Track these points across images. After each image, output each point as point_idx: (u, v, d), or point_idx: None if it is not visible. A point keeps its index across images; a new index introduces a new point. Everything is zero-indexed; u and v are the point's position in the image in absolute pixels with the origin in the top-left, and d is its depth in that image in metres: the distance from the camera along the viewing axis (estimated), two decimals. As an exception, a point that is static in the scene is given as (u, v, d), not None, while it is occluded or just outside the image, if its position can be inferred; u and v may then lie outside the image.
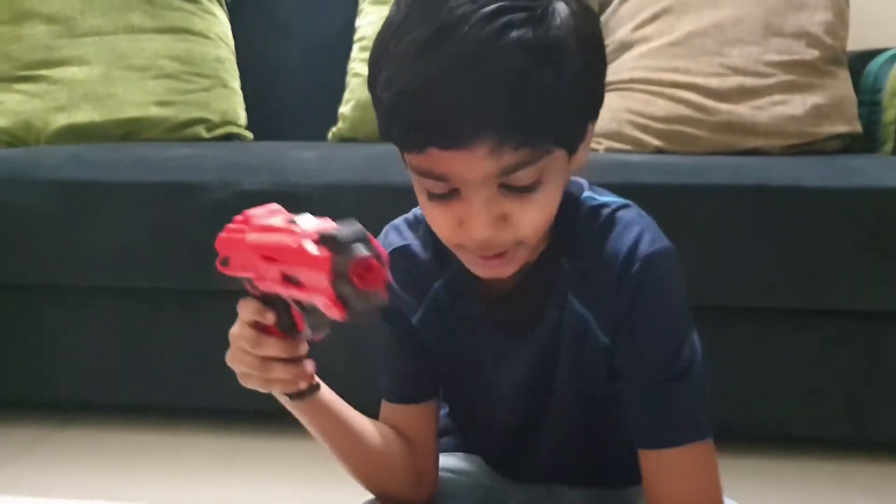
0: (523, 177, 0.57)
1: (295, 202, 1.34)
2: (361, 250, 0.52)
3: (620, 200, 0.69)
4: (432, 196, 0.60)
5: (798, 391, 1.23)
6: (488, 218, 0.58)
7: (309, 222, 0.56)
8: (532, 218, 0.60)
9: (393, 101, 0.56)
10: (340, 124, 1.71)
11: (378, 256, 0.53)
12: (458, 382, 0.79)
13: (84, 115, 1.65)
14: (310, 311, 0.60)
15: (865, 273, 1.17)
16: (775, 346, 1.23)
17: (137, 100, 1.67)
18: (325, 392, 0.71)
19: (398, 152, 0.62)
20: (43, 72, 1.68)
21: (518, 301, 0.69)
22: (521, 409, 0.77)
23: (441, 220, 0.61)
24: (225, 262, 0.64)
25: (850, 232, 1.16)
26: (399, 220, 0.78)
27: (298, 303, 0.60)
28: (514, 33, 0.53)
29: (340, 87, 1.73)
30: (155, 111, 1.67)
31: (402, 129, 0.57)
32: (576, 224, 0.67)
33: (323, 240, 0.53)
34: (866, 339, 1.21)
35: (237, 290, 0.63)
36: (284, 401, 0.69)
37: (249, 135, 1.79)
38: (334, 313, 0.53)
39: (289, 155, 1.37)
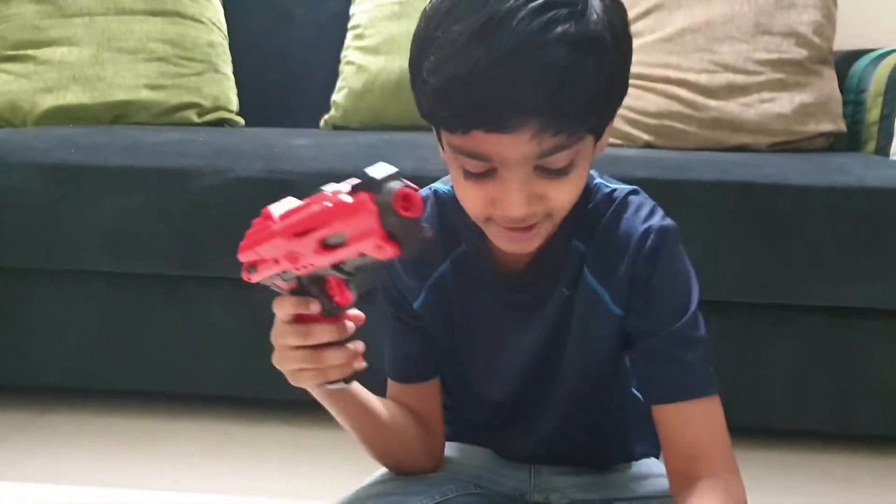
0: (558, 160, 0.61)
1: (287, 190, 1.34)
2: (397, 183, 0.52)
3: (629, 186, 0.75)
4: (468, 175, 0.63)
5: (781, 385, 1.26)
6: (524, 196, 0.62)
7: (332, 186, 0.56)
8: (564, 195, 0.64)
9: (442, 86, 0.59)
10: (333, 112, 1.70)
11: (413, 186, 0.53)
12: (457, 362, 0.81)
13: (73, 96, 1.64)
14: (353, 272, 0.59)
15: (848, 269, 1.19)
16: (759, 341, 1.26)
17: (128, 82, 1.66)
18: (357, 390, 0.73)
19: (434, 133, 0.66)
20: (31, 52, 1.66)
21: (528, 280, 0.73)
22: (526, 386, 0.80)
23: (475, 197, 0.65)
24: (251, 270, 0.63)
25: (834, 229, 1.19)
26: None
27: (339, 269, 0.59)
28: (559, 28, 0.57)
29: (334, 75, 1.72)
30: (145, 94, 1.66)
31: (450, 112, 0.60)
32: (591, 207, 0.72)
33: (357, 187, 0.53)
34: (849, 334, 1.24)
35: (268, 299, 0.63)
36: (321, 392, 0.70)
37: (241, 120, 1.78)
38: (387, 252, 0.53)
39: (281, 142, 1.37)
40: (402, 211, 0.52)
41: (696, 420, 0.72)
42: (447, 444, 0.86)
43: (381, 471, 0.84)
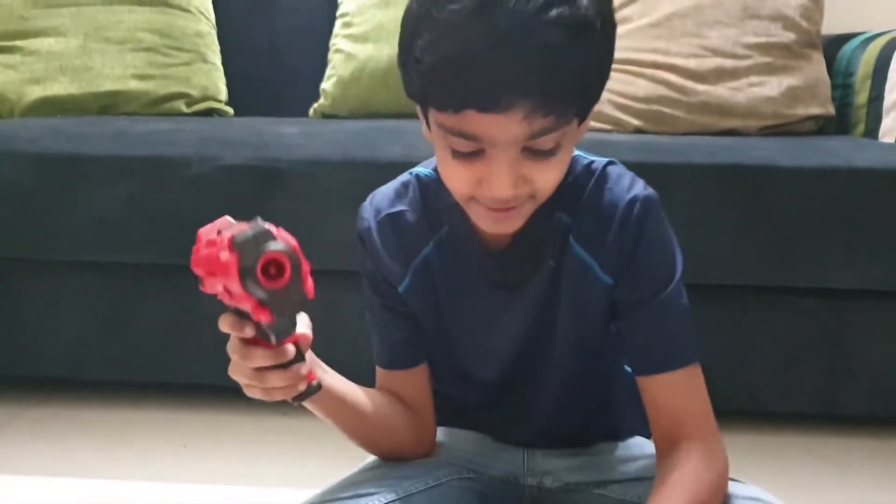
0: (546, 142, 0.62)
1: (276, 177, 1.34)
2: (265, 247, 0.51)
3: (605, 158, 0.76)
4: (456, 154, 0.64)
5: (770, 367, 1.26)
6: (511, 178, 0.63)
7: (231, 229, 0.55)
8: (549, 177, 0.65)
9: (435, 65, 0.60)
10: (322, 100, 1.70)
11: (286, 250, 0.52)
12: (447, 345, 0.81)
13: (60, 87, 1.63)
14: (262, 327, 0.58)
15: (838, 251, 1.20)
16: (749, 323, 1.26)
17: (116, 73, 1.65)
18: (327, 381, 0.72)
19: (420, 112, 0.67)
20: (17, 42, 1.65)
21: (513, 257, 0.73)
22: (518, 365, 0.80)
23: (461, 177, 0.65)
24: (201, 282, 0.62)
25: (823, 211, 1.19)
26: (386, 189, 0.79)
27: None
28: (554, 11, 0.58)
29: (322, 64, 1.72)
30: (134, 85, 1.65)
31: (443, 91, 0.61)
32: (571, 180, 0.72)
33: (231, 244, 0.52)
34: (837, 316, 1.24)
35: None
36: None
37: (230, 110, 1.78)
38: (260, 317, 0.53)
39: (270, 130, 1.36)
40: (265, 281, 0.51)
41: (680, 388, 0.74)
42: (438, 429, 0.86)
43: (372, 457, 0.84)
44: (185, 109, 1.69)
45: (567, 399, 0.83)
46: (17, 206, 1.28)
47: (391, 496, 0.76)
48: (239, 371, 0.64)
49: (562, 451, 0.88)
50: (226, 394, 1.36)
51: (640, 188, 0.73)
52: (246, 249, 0.52)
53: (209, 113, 1.73)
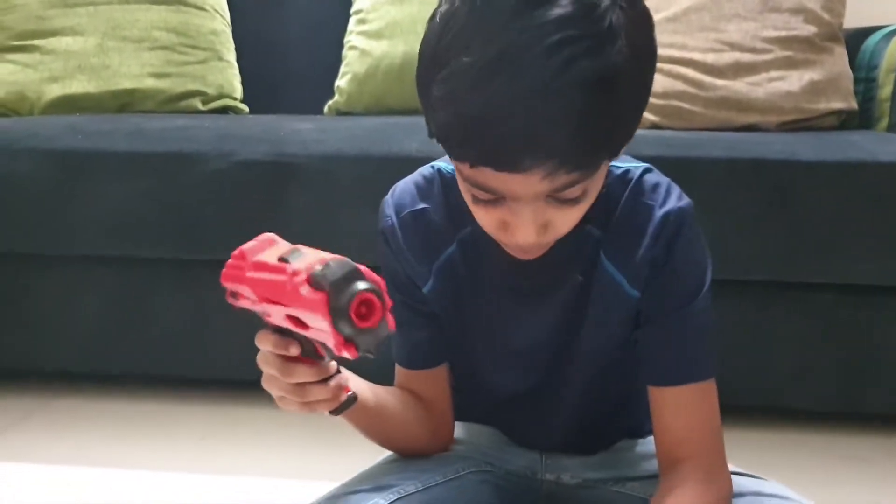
0: (571, 192, 0.59)
1: (292, 173, 1.34)
2: (357, 287, 0.51)
3: (641, 164, 0.72)
4: (477, 200, 0.62)
5: (791, 363, 1.25)
6: (534, 227, 0.60)
7: (300, 260, 0.54)
8: (573, 221, 0.63)
9: (450, 121, 0.56)
10: (337, 98, 1.70)
11: (375, 289, 0.52)
12: (468, 347, 0.80)
13: (78, 85, 1.64)
14: (325, 346, 0.58)
15: (860, 247, 1.18)
16: (768, 319, 1.25)
17: (133, 71, 1.66)
18: (358, 389, 0.71)
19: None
20: (36, 42, 1.67)
21: (539, 266, 0.70)
22: (539, 372, 0.79)
23: (484, 221, 0.63)
24: (234, 297, 0.62)
25: (847, 206, 1.17)
26: (408, 182, 0.77)
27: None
28: (576, 68, 0.52)
29: (337, 61, 1.72)
30: (150, 83, 1.66)
31: (459, 148, 0.58)
32: (605, 192, 0.68)
33: (314, 281, 0.51)
34: (859, 312, 1.22)
35: (254, 320, 0.62)
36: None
37: (245, 108, 1.78)
38: (345, 354, 0.52)
39: (286, 126, 1.36)
40: (358, 321, 0.50)
41: (690, 404, 0.72)
42: (456, 424, 0.85)
43: (390, 452, 0.83)
44: (200, 107, 1.70)
45: (586, 407, 0.82)
46: (36, 202, 1.29)
47: (411, 488, 0.76)
48: (276, 385, 0.62)
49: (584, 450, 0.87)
50: (242, 387, 1.37)
51: (675, 199, 0.70)
52: (337, 289, 0.50)
53: (224, 111, 1.74)
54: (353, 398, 0.64)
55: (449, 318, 0.78)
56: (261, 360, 0.63)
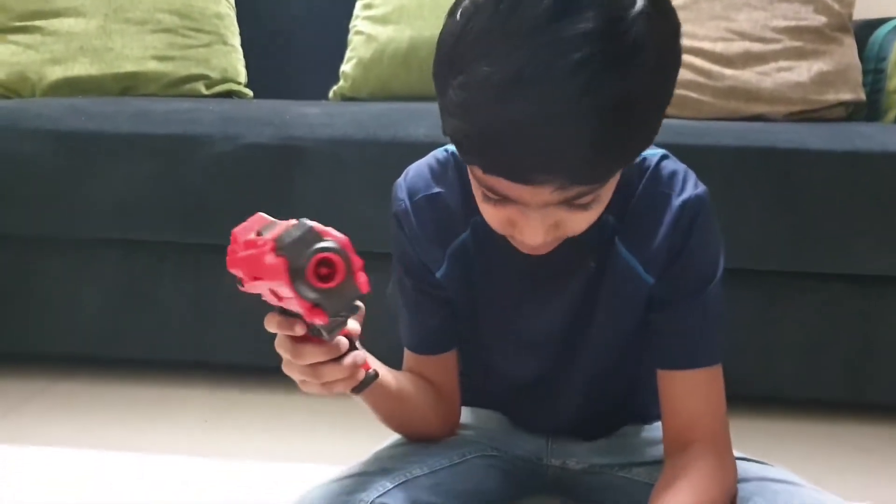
0: (584, 199, 0.59)
1: (299, 156, 1.33)
2: (314, 247, 0.50)
3: (658, 151, 0.72)
4: (487, 199, 0.61)
5: (796, 353, 1.24)
6: (543, 229, 0.60)
7: (271, 231, 0.53)
8: (585, 223, 0.62)
9: (465, 130, 0.56)
10: (342, 83, 1.69)
11: (334, 248, 0.51)
12: (479, 331, 0.80)
13: (81, 68, 1.62)
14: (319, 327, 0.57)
15: (867, 236, 1.17)
16: (775, 309, 1.24)
17: (136, 54, 1.64)
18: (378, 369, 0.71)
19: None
20: (38, 23, 1.65)
21: (554, 253, 0.69)
22: (549, 359, 0.79)
23: (493, 217, 0.64)
24: (239, 283, 0.61)
25: (854, 196, 1.17)
26: (422, 166, 0.77)
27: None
28: (596, 92, 0.51)
29: (342, 46, 1.70)
30: (153, 66, 1.65)
31: (470, 154, 0.58)
32: (623, 181, 0.67)
33: (276, 247, 0.50)
34: (866, 302, 1.22)
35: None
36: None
37: (249, 92, 1.77)
38: (314, 318, 0.52)
39: (291, 110, 1.35)
40: (318, 283, 0.49)
41: (700, 388, 0.72)
42: (462, 409, 0.86)
43: (395, 436, 0.83)
44: (204, 91, 1.68)
45: (594, 393, 0.82)
46: (39, 185, 1.28)
47: (417, 472, 0.76)
48: (292, 368, 0.62)
49: (591, 436, 0.87)
50: (247, 371, 1.37)
51: (692, 187, 0.70)
52: (294, 252, 0.50)
53: (228, 95, 1.72)
54: (374, 375, 0.64)
55: (461, 302, 0.78)
56: (277, 345, 0.62)
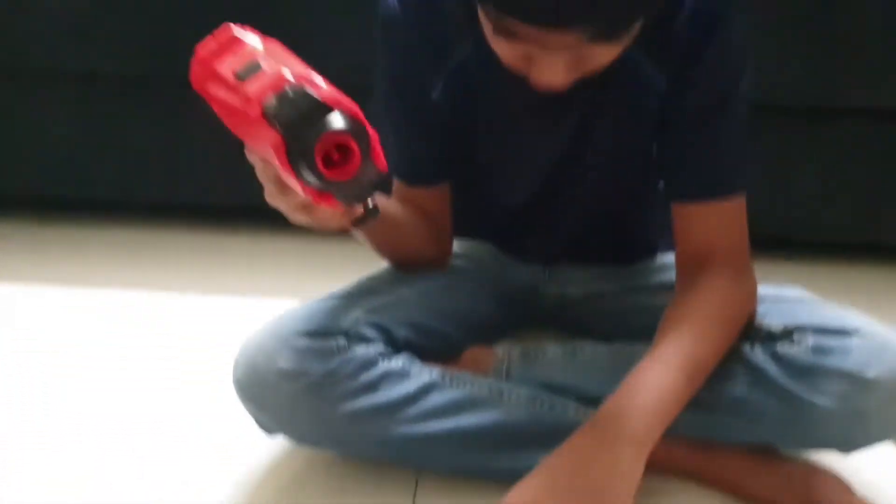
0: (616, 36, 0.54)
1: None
2: (323, 127, 0.39)
3: None
4: (498, 31, 0.54)
5: (810, 194, 1.17)
6: (562, 67, 0.54)
7: (256, 79, 0.43)
8: (611, 57, 0.56)
9: None
10: None
11: (350, 127, 0.40)
12: (476, 158, 0.74)
13: None
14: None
15: (889, 67, 1.07)
16: (789, 147, 1.16)
17: None
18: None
19: None
20: None
21: None
22: (550, 182, 0.74)
23: (506, 53, 0.56)
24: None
25: (873, 20, 1.05)
26: None
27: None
28: None
29: None
30: None
31: None
32: None
33: (267, 115, 0.40)
34: (886, 139, 1.14)
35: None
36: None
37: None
38: (322, 204, 0.43)
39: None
40: (328, 172, 0.39)
41: (721, 220, 0.67)
42: (455, 241, 0.82)
43: (383, 266, 0.79)
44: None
45: (597, 223, 0.78)
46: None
47: (406, 293, 0.73)
48: (279, 201, 0.53)
49: (588, 262, 0.83)
50: (226, 212, 1.30)
51: None
52: (294, 129, 0.40)
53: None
54: (375, 211, 0.53)
55: (457, 124, 0.70)
56: (258, 171, 0.53)
